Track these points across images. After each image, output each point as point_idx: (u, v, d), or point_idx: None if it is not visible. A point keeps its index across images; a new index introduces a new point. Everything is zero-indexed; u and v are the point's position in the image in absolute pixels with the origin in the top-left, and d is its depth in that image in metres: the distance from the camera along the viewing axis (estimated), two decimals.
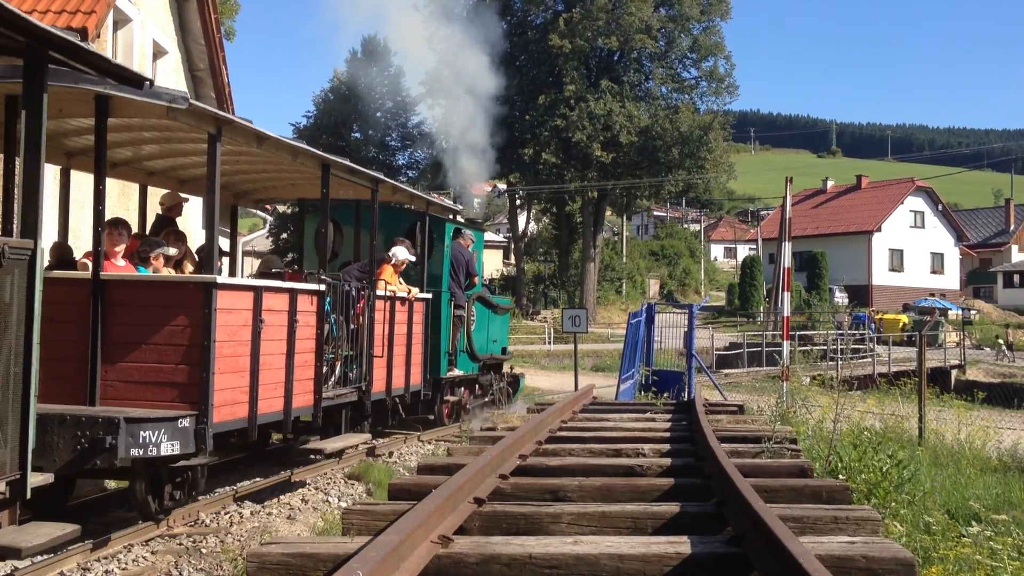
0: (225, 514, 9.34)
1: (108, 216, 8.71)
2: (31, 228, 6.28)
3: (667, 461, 7.45)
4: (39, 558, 7.12)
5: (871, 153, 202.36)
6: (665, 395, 14.51)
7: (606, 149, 50.57)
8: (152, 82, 7.25)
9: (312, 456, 11.44)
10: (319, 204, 11.26)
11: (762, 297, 55.20)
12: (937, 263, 67.09)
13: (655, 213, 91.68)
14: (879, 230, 64.33)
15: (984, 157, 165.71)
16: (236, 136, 8.91)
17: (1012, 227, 74.33)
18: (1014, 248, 73.01)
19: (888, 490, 7.88)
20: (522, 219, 63.02)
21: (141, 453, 7.67)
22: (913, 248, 65.64)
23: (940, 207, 68.10)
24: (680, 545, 4.68)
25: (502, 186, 68.49)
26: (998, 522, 7.27)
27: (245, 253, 28.89)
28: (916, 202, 66.89)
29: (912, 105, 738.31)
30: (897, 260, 65.30)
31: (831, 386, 11.28)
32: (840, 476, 8.04)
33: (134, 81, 7.00)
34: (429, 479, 6.38)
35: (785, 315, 17.58)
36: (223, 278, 9.01)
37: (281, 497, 10.23)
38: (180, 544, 8.20)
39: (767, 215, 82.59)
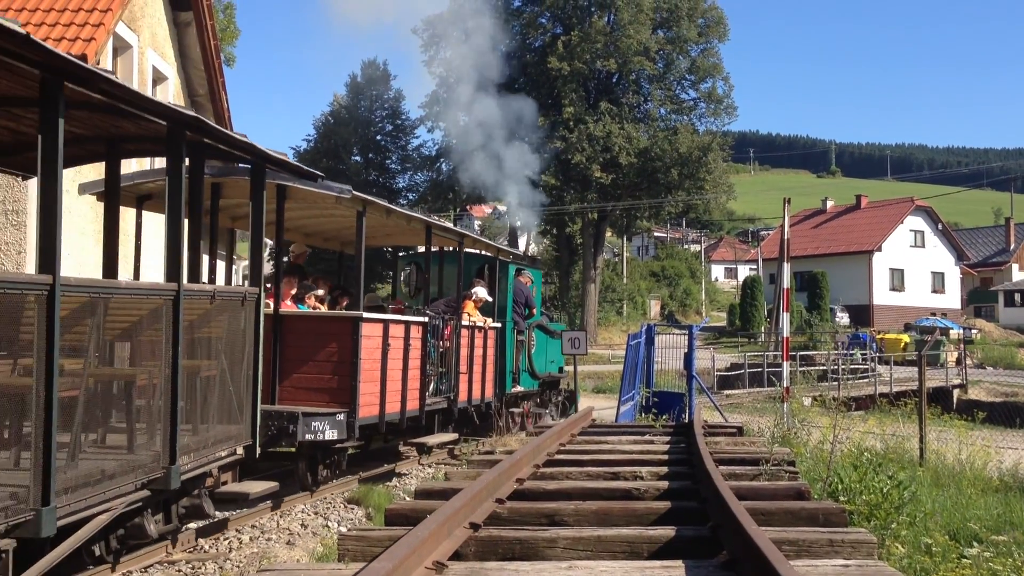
0: (224, 540, 9.32)
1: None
2: (256, 279, 9.29)
3: (664, 484, 7.43)
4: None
5: (870, 173, 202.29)
6: (665, 417, 14.47)
7: (605, 170, 50.71)
8: (324, 177, 10.51)
9: (408, 451, 15.12)
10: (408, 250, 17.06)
11: (763, 317, 55.15)
12: (938, 282, 67.02)
13: (655, 234, 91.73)
14: (879, 250, 64.32)
15: (983, 176, 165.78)
16: (374, 211, 12.26)
17: (1012, 246, 74.25)
18: (1015, 267, 72.91)
19: (889, 511, 7.86)
20: (522, 241, 63.12)
21: (312, 437, 10.73)
22: (914, 267, 65.60)
23: (940, 226, 68.10)
24: (674, 570, 4.67)
25: (502, 208, 68.59)
26: (999, 543, 7.25)
27: (245, 277, 28.86)
28: (916, 221, 66.90)
29: (911, 125, 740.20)
30: (898, 279, 65.25)
31: (831, 407, 11.25)
32: (840, 498, 8.02)
33: (311, 176, 10.05)
34: (426, 504, 6.37)
35: (785, 336, 17.57)
36: (366, 314, 11.85)
37: (280, 522, 10.22)
38: (179, 571, 8.18)
39: (767, 235, 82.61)
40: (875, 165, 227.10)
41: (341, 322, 11.64)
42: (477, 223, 75.91)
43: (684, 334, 21.54)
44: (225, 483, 9.76)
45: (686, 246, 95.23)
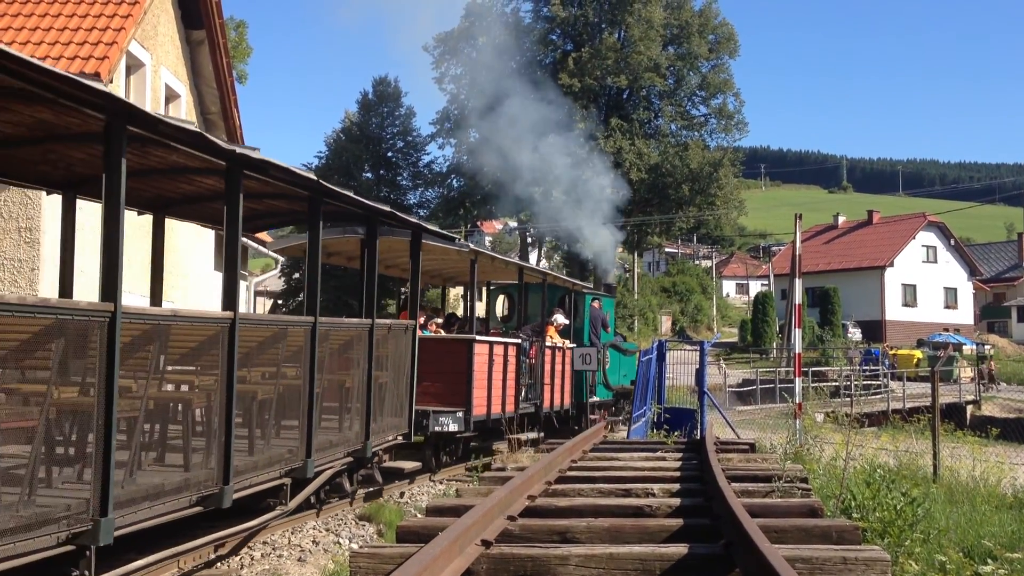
0: (236, 557, 9.31)
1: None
2: (413, 314, 13.16)
3: (676, 501, 7.40)
4: None
5: (882, 188, 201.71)
6: (676, 433, 14.42)
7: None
8: (456, 238, 15.49)
9: (499, 447, 17.12)
10: (497, 284, 21.60)
11: (775, 333, 54.99)
12: (951, 298, 66.75)
13: (666, 250, 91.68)
14: (891, 265, 64.13)
15: (995, 191, 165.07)
16: (482, 259, 16.15)
17: None
18: None
19: (902, 528, 7.81)
20: (533, 256, 63.14)
21: (440, 429, 14.28)
22: (926, 283, 65.37)
23: (952, 242, 67.86)
24: None
25: (513, 224, 68.69)
26: (1013, 560, 7.20)
27: (257, 293, 28.98)
28: (928, 237, 66.71)
29: (922, 140, 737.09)
30: (910, 295, 65.01)
31: (844, 423, 11.20)
32: (853, 515, 7.98)
33: (449, 239, 14.67)
34: (437, 521, 6.35)
35: (797, 352, 17.51)
36: (478, 337, 15.43)
37: (292, 539, 10.21)
38: None
39: (778, 251, 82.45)
40: (887, 180, 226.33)
41: (459, 343, 15.12)
42: (488, 239, 75.96)
43: (695, 350, 21.56)
44: (385, 461, 12.89)
45: (697, 262, 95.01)
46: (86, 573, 6.40)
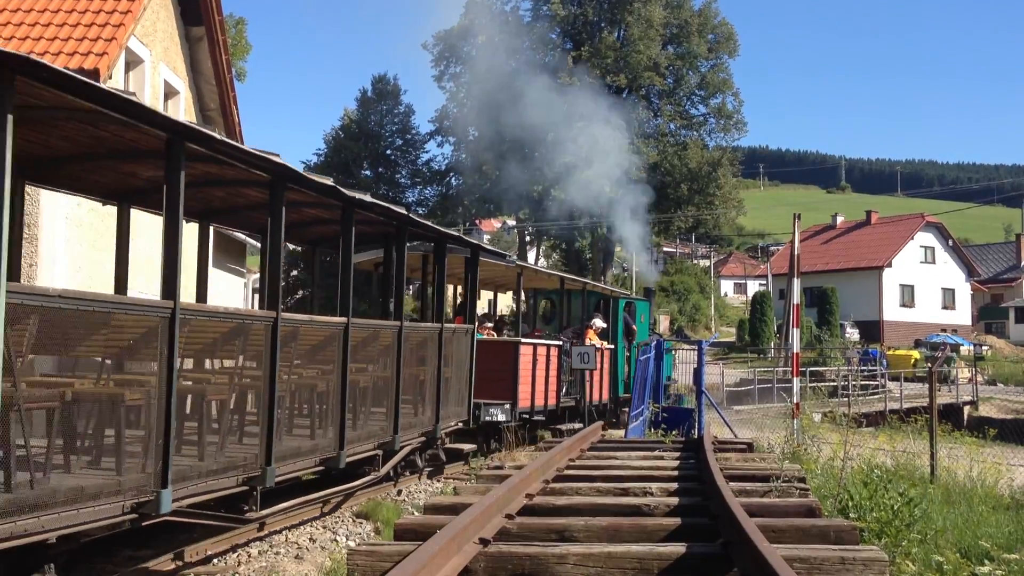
0: (233, 553, 9.30)
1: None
2: (471, 319, 15.30)
3: (674, 500, 7.40)
4: None
5: (881, 188, 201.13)
6: (674, 432, 14.42)
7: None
8: (508, 255, 17.76)
9: (542, 435, 18.82)
10: (541, 290, 24.03)
11: (772, 333, 54.97)
12: (948, 299, 66.69)
13: (665, 249, 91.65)
14: (889, 265, 64.05)
15: (994, 192, 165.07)
16: (527, 271, 19.16)
17: (1023, 263, 74.00)
18: None
19: (899, 528, 7.82)
20: (531, 255, 63.12)
21: (489, 419, 16.34)
22: (924, 284, 65.30)
23: (951, 242, 67.78)
24: None
25: (511, 222, 68.67)
26: (1010, 561, 7.20)
27: (255, 291, 28.96)
28: (926, 237, 66.62)
29: (921, 140, 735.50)
30: (908, 296, 64.93)
31: (842, 423, 11.20)
32: (851, 515, 7.98)
33: (501, 256, 16.92)
34: (435, 519, 6.35)
35: (795, 351, 17.53)
36: (523, 339, 17.69)
37: (289, 536, 10.20)
38: None
39: (777, 251, 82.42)
40: (885, 181, 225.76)
41: (507, 345, 17.37)
42: (487, 237, 75.89)
43: (693, 349, 21.59)
44: (447, 443, 14.76)
45: (695, 261, 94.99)
46: (254, 507, 8.77)
